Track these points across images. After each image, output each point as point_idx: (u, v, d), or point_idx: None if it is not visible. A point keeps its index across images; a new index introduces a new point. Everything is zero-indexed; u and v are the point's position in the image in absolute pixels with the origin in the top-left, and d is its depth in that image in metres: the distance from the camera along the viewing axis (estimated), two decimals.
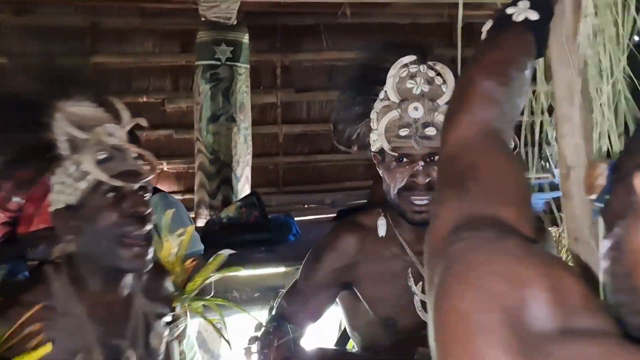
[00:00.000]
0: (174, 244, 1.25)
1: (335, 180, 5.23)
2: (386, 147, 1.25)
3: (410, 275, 1.32)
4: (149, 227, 1.05)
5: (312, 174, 5.27)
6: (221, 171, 3.55)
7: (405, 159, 1.26)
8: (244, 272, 2.00)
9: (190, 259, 1.34)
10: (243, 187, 3.65)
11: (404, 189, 1.26)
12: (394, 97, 1.24)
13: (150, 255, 1.06)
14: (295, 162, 5.22)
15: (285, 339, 1.26)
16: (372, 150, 1.34)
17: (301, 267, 1.42)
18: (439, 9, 4.46)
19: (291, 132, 5.07)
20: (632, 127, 0.85)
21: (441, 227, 0.56)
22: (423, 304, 1.30)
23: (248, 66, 3.61)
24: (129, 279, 1.10)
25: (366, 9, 4.50)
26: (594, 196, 0.59)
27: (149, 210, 1.05)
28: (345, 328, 1.51)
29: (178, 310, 1.23)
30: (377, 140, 1.29)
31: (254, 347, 1.30)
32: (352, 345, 1.50)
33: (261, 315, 1.51)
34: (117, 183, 1.00)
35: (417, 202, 1.25)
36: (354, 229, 1.39)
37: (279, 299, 1.43)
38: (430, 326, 0.50)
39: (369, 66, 1.37)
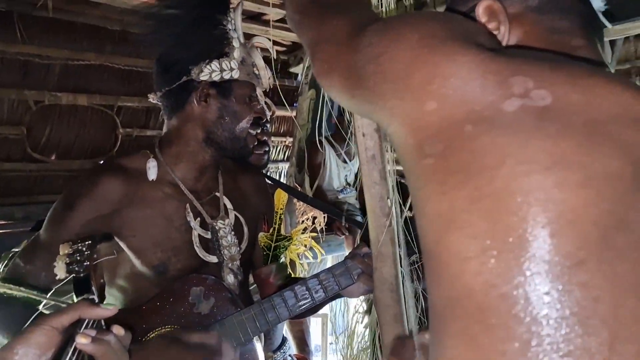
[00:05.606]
0: None
1: (27, 194, 4.55)
2: (264, 76, 1.30)
3: (189, 210, 1.27)
4: None
5: None
6: None
7: (255, 94, 1.30)
8: None
9: None
10: None
11: (253, 124, 1.31)
12: None
13: None
14: None
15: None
16: (215, 79, 1.26)
17: (47, 218, 1.20)
18: None
19: None
20: None
21: (338, 37, 0.64)
22: (201, 239, 1.27)
23: None
24: None
25: (72, 5, 4.12)
26: None
27: None
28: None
29: None
30: (235, 70, 1.26)
31: None
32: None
33: None
34: None
35: (266, 149, 1.38)
36: (116, 172, 1.23)
37: (12, 259, 1.18)
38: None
39: None
